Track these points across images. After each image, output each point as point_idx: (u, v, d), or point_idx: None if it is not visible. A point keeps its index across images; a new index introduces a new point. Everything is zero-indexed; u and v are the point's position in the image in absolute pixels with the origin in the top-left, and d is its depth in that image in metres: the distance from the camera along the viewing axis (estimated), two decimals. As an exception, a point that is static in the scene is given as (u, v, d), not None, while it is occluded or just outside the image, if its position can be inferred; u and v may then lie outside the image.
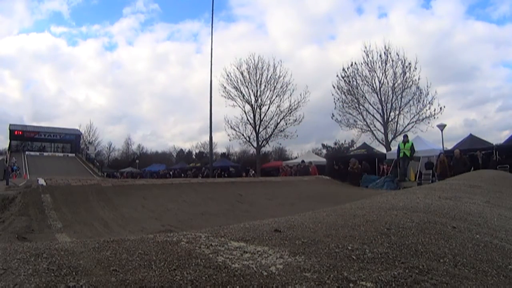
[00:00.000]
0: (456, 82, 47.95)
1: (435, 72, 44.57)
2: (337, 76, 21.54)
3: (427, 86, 19.81)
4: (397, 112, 20.42)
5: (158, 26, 67.47)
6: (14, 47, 59.06)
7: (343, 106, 21.31)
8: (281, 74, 22.68)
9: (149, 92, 65.76)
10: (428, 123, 19.43)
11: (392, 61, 20.32)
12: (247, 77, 22.79)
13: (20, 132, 38.28)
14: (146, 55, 65.28)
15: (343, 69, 21.34)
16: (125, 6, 69.17)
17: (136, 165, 38.88)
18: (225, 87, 22.90)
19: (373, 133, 21.04)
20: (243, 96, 22.96)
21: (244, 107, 23.07)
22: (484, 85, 47.10)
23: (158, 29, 67.64)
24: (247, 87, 22.93)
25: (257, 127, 22.95)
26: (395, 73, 20.34)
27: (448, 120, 48.73)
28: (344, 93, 21.42)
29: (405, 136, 12.67)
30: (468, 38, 46.54)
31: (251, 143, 23.51)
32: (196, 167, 28.71)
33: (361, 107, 21.12)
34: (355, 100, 21.19)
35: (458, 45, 46.28)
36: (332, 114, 21.80)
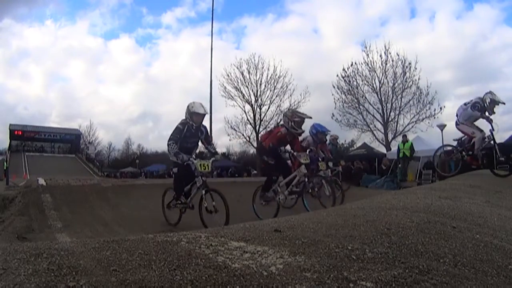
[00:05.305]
0: (479, 83, 46.48)
1: (463, 73, 43.68)
2: (337, 76, 21.54)
3: (427, 86, 19.85)
4: (397, 112, 20.42)
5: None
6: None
7: (343, 106, 21.31)
8: (281, 74, 22.71)
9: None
10: (428, 122, 19.48)
11: (392, 61, 20.29)
12: (247, 77, 22.84)
13: (20, 132, 38.22)
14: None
15: (343, 69, 21.32)
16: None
17: (136, 165, 38.81)
18: (225, 87, 22.97)
19: (373, 133, 21.03)
20: (243, 96, 23.01)
21: (244, 107, 23.10)
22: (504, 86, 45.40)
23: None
24: (247, 87, 22.96)
25: (257, 127, 22.93)
26: (395, 73, 20.32)
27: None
28: (344, 93, 21.39)
29: (404, 136, 12.76)
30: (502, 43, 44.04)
31: (251, 143, 23.51)
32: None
33: (361, 107, 21.08)
34: (355, 100, 21.14)
35: (491, 48, 44.18)
36: (332, 114, 21.82)
